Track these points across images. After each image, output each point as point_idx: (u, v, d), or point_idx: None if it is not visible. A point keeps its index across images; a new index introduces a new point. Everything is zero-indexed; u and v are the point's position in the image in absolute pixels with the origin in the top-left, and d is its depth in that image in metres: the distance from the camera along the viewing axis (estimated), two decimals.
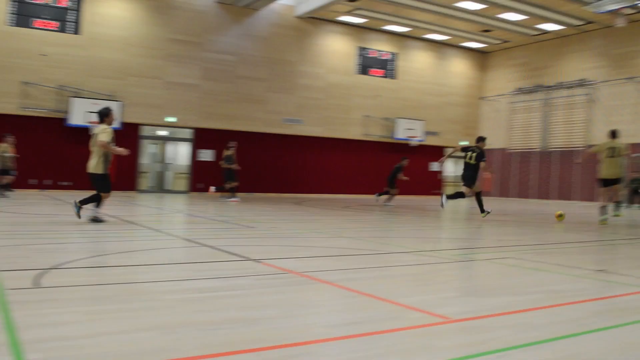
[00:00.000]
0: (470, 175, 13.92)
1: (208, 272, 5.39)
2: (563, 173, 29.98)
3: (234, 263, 5.94)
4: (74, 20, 22.92)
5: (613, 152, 12.95)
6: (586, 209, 22.24)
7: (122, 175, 23.98)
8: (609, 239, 9.97)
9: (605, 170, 13.15)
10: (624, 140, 26.33)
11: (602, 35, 28.66)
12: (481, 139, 14.55)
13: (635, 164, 27.03)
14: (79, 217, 9.87)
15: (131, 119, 24.07)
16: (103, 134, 10.18)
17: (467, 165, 14.08)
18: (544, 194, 30.72)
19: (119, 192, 23.53)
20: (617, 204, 16.23)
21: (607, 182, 13.27)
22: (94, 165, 10.45)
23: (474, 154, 13.92)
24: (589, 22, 27.77)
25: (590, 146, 27.25)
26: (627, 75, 27.53)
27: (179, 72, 25.08)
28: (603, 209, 13.58)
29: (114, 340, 3.10)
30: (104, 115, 10.35)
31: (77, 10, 22.98)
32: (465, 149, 14.39)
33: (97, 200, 10.28)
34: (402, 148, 31.09)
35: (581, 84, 29.29)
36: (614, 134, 13.38)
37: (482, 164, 13.67)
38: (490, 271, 6.00)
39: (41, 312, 3.65)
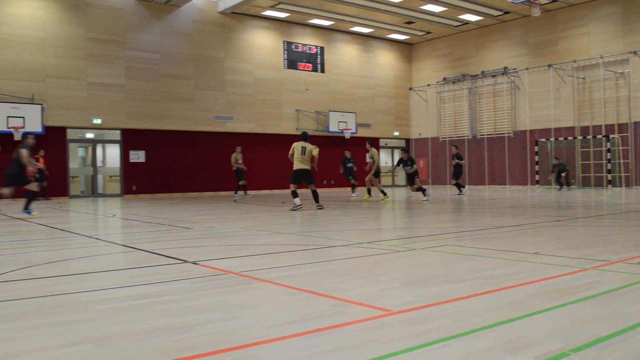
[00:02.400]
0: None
1: (143, 277, 5.21)
2: (493, 159, 30.81)
3: (170, 267, 5.77)
4: None
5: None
6: (518, 193, 22.92)
7: (52, 181, 23.12)
8: (541, 222, 10.26)
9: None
10: (545, 125, 27.30)
11: (521, 24, 29.57)
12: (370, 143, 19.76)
13: (556, 149, 28.06)
14: None
15: (55, 122, 23.27)
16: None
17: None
18: (477, 180, 31.49)
19: (49, 199, 22.70)
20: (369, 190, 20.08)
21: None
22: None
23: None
24: (507, 12, 28.59)
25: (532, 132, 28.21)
26: (547, 62, 28.50)
27: (102, 72, 24.38)
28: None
29: (44, 357, 2.92)
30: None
31: None
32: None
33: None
34: (336, 141, 31.25)
35: (504, 72, 30.12)
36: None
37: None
38: (429, 260, 6.04)
39: None
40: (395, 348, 2.96)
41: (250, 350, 2.98)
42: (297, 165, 14.43)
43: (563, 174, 25.47)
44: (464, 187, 22.37)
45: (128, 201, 21.34)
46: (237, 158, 22.44)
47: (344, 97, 32.12)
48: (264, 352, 2.98)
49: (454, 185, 22.62)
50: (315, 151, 14.69)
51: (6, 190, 12.91)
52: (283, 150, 29.35)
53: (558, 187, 25.63)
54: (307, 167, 14.49)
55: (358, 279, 4.98)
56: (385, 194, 19.11)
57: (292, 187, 14.59)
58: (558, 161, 25.90)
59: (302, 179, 14.53)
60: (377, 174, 19.39)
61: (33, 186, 13.10)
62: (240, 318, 3.66)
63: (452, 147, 23.16)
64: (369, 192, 20.12)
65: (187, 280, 5.03)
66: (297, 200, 14.36)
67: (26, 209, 13.06)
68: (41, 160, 22.10)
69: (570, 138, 27.44)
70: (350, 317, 3.62)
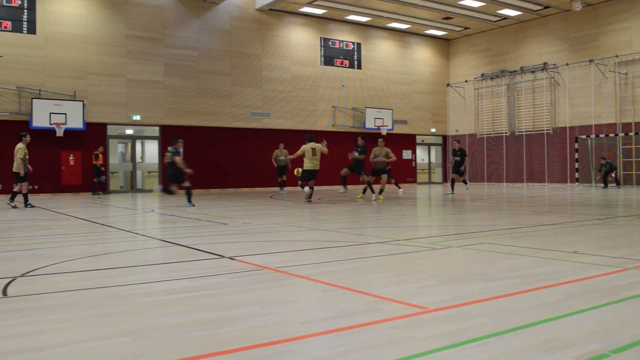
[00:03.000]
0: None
1: (181, 272, 5.29)
2: (532, 156, 30.37)
3: (208, 261, 5.84)
4: (28, 19, 22.39)
5: (314, 152, 15.88)
6: (557, 191, 22.56)
7: (92, 176, 23.56)
8: (581, 220, 10.09)
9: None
10: (586, 121, 26.78)
11: (561, 19, 29.03)
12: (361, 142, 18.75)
13: (597, 146, 27.48)
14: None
15: (96, 118, 23.70)
16: (19, 150, 14.66)
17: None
18: (516, 177, 31.08)
19: (88, 194, 23.16)
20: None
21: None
22: (15, 167, 14.86)
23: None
24: (547, 7, 28.10)
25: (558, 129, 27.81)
26: (587, 57, 27.94)
27: (141, 69, 24.73)
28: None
29: (85, 349, 2.99)
30: (21, 137, 14.89)
31: (31, 9, 22.46)
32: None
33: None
34: (372, 137, 31.16)
35: (543, 67, 29.64)
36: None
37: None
38: (466, 258, 6.00)
39: (9, 323, 3.52)
40: (432, 346, 2.95)
41: (287, 346, 3.01)
42: (309, 165, 15.88)
43: (612, 173, 24.90)
44: (466, 183, 21.55)
45: (166, 196, 21.63)
46: (277, 154, 22.97)
47: (380, 94, 32.00)
48: (300, 347, 3.00)
49: (462, 181, 21.31)
50: (324, 149, 16.16)
51: (174, 187, 15.19)
52: None
53: (602, 185, 25.08)
54: (318, 167, 16.03)
55: (394, 276, 4.97)
56: (364, 192, 17.94)
57: (301, 183, 16.54)
58: (605, 160, 25.33)
59: (313, 177, 16.10)
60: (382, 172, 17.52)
61: (187, 183, 15.20)
62: (277, 313, 3.69)
63: (454, 142, 21.84)
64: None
65: (225, 275, 5.09)
66: (307, 189, 16.03)
67: (189, 201, 15.24)
68: (100, 157, 22.97)
69: (611, 135, 26.85)
70: (386, 314, 3.61)
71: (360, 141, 18.85)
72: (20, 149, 14.79)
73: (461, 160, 20.37)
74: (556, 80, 29.33)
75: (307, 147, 15.90)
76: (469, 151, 33.34)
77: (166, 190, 15.53)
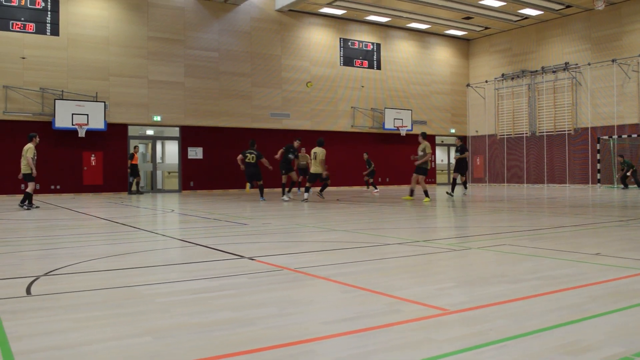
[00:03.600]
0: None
1: (201, 272, 5.33)
2: (553, 157, 30.12)
3: (228, 262, 5.88)
4: (51, 21, 22.67)
5: (315, 156, 17.04)
6: (578, 192, 22.35)
7: (113, 177, 23.84)
8: (603, 222, 9.99)
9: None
10: (608, 122, 26.53)
11: (583, 18, 28.76)
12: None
13: (619, 147, 27.19)
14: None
15: (117, 119, 23.93)
16: (29, 150, 14.71)
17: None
18: (536, 178, 30.84)
19: (109, 194, 23.40)
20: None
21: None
22: (24, 167, 14.85)
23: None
24: (569, 6, 27.86)
25: (578, 129, 27.54)
26: (610, 57, 27.66)
27: (163, 70, 24.93)
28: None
29: (107, 348, 3.03)
30: (32, 137, 15.01)
31: (54, 11, 22.74)
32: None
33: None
34: (391, 138, 31.12)
35: (565, 67, 29.38)
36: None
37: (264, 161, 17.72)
38: (486, 259, 5.97)
39: (33, 321, 3.57)
40: (452, 348, 2.95)
41: (307, 347, 3.02)
42: (311, 169, 17.49)
43: (629, 174, 24.63)
44: (466, 187, 21.04)
45: (186, 197, 21.78)
46: (299, 160, 23.06)
47: (400, 94, 31.94)
48: (319, 348, 3.01)
49: (461, 183, 20.80)
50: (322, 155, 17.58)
51: (257, 184, 18.19)
52: (339, 148, 29.44)
53: (622, 186, 24.81)
54: (318, 171, 17.18)
55: (413, 278, 4.96)
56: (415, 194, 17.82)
57: (308, 184, 17.55)
58: (623, 159, 25.06)
59: (312, 180, 17.44)
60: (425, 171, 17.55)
61: (260, 181, 17.90)
62: (296, 314, 3.71)
63: (457, 139, 21.05)
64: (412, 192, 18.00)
65: (244, 275, 5.12)
66: (307, 195, 17.34)
67: (262, 196, 18.25)
68: (136, 156, 23.77)
69: (634, 135, 26.55)
70: (406, 316, 3.61)
71: (458, 141, 20.26)
72: (29, 149, 14.81)
73: (462, 157, 19.92)
74: (578, 80, 29.06)
75: (314, 150, 17.39)
76: (489, 152, 33.15)
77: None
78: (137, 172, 23.80)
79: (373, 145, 30.60)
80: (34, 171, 14.83)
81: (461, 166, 20.13)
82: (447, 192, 20.37)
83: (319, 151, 17.16)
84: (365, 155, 25.38)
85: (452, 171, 22.10)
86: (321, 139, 17.89)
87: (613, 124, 27.57)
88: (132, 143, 25.34)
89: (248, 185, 20.81)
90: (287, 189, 19.23)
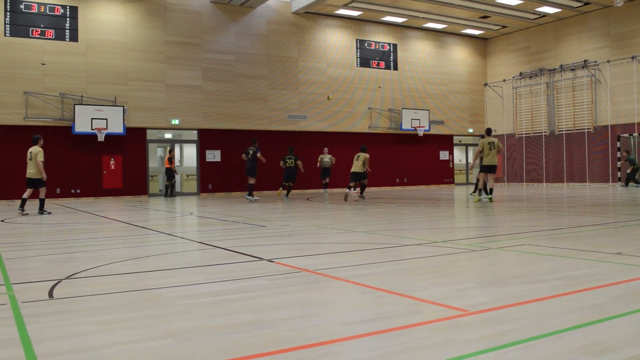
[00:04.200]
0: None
1: (221, 274, 5.36)
2: (573, 155, 29.84)
3: (247, 264, 5.90)
4: (70, 27, 22.90)
5: (492, 146, 16.28)
6: (598, 190, 22.14)
7: (133, 180, 24.02)
8: (624, 221, 9.89)
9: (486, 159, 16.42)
10: (628, 119, 26.25)
11: (602, 15, 28.47)
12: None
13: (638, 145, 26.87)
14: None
15: (136, 123, 24.10)
16: (39, 154, 14.07)
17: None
18: (556, 177, 30.58)
19: (129, 197, 23.59)
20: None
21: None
22: (35, 172, 14.16)
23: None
24: (587, 3, 27.61)
25: (598, 128, 27.31)
26: (629, 54, 27.36)
27: (180, 74, 25.07)
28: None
29: (130, 350, 3.07)
30: (38, 139, 14.27)
31: (73, 17, 22.97)
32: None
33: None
34: (409, 138, 31.04)
35: (584, 65, 29.11)
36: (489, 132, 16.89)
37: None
38: (506, 259, 5.94)
39: (56, 325, 3.62)
40: (472, 349, 2.95)
41: (328, 348, 3.03)
42: (353, 168, 18.81)
43: (628, 171, 24.39)
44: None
45: (204, 199, 21.89)
46: (322, 158, 24.68)
47: (417, 94, 31.84)
48: (340, 349, 3.02)
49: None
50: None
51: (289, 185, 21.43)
52: (357, 150, 29.36)
53: (634, 184, 24.56)
54: (360, 170, 18.62)
55: (433, 278, 4.95)
56: (486, 193, 16.86)
57: (351, 184, 19.07)
58: (627, 155, 24.72)
59: (354, 179, 18.93)
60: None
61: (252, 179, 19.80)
62: (316, 315, 3.72)
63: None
64: (479, 191, 17.28)
65: (264, 277, 5.14)
66: (351, 191, 19.04)
67: (287, 195, 21.40)
68: (173, 160, 24.10)
69: None
70: (425, 317, 3.61)
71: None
72: (39, 152, 14.07)
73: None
74: (597, 78, 28.79)
75: (360, 154, 18.90)
76: (508, 151, 32.93)
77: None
78: (172, 175, 24.01)
79: (391, 146, 30.54)
80: (45, 175, 14.16)
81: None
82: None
83: (362, 155, 18.74)
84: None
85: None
86: (364, 145, 19.62)
87: (633, 122, 27.26)
88: (151, 147, 25.52)
89: (281, 188, 21.79)
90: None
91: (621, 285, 4.47)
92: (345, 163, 28.63)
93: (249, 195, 19.72)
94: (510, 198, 18.14)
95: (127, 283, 5.08)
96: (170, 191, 24.00)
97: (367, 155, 18.80)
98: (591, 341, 3.04)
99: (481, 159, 16.60)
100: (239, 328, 3.43)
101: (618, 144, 27.18)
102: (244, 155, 19.79)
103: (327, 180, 24.86)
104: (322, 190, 26.07)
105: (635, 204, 14.26)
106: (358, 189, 20.50)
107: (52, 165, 22.48)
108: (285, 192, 21.76)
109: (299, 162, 21.28)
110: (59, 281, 5.13)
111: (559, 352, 2.87)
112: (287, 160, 21.35)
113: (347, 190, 18.11)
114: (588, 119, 29.16)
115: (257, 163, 19.50)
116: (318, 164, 24.82)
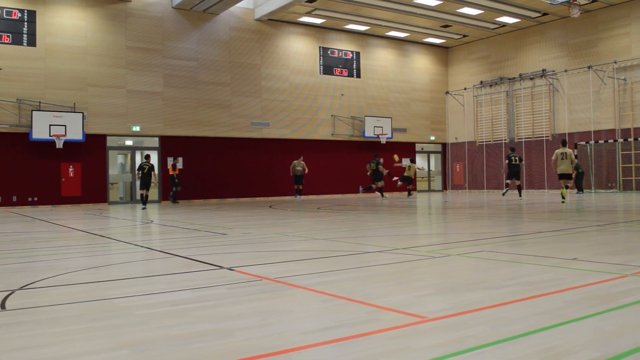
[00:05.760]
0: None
1: (180, 283, 5.29)
2: (532, 163, 30.38)
3: (207, 272, 5.85)
4: (28, 32, 22.48)
5: (564, 155, 18.05)
6: (557, 197, 22.56)
7: (92, 188, 23.63)
8: (580, 227, 10.09)
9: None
10: (585, 127, 26.82)
11: (560, 26, 29.14)
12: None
13: (596, 152, 27.49)
14: None
15: (95, 130, 23.75)
16: None
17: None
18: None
19: (89, 205, 23.19)
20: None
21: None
22: None
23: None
24: (545, 14, 28.21)
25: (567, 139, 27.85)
26: (586, 64, 28.03)
27: (141, 80, 24.80)
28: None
29: None
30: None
31: (31, 21, 22.56)
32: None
33: None
34: (372, 146, 31.21)
35: (542, 74, 29.71)
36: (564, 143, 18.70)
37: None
38: (466, 266, 6.00)
39: (9, 337, 3.52)
40: (430, 355, 2.96)
41: (286, 357, 3.01)
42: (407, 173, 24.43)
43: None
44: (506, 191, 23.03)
45: (165, 207, 21.64)
46: (295, 165, 25.73)
47: (379, 102, 32.08)
48: (299, 358, 3.00)
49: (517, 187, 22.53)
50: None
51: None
52: (319, 157, 29.48)
53: (580, 191, 25.49)
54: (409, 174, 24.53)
55: (393, 285, 4.97)
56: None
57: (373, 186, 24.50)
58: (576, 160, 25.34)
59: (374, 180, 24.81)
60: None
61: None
62: (276, 324, 3.70)
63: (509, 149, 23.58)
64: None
65: (224, 286, 5.09)
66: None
67: (363, 188, 26.92)
68: (177, 167, 24.67)
69: (610, 141, 26.90)
70: (384, 324, 3.62)
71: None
72: None
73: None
74: (555, 87, 29.41)
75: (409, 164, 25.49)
76: (469, 158, 33.38)
77: (368, 189, 26.32)
78: (175, 182, 24.05)
79: (353, 153, 30.68)
80: None
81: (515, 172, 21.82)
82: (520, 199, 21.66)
83: (412, 165, 26.13)
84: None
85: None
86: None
87: (590, 130, 27.90)
88: (111, 154, 25.15)
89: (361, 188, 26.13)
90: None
91: (576, 290, 4.55)
92: (308, 170, 28.70)
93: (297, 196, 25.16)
94: (471, 205, 18.36)
95: (84, 293, 4.98)
96: (173, 198, 24.53)
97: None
98: (547, 346, 3.08)
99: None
100: (198, 338, 3.39)
101: (575, 152, 27.78)
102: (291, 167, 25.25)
103: (301, 187, 25.70)
104: (294, 197, 26.64)
105: (591, 211, 14.58)
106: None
107: (9, 173, 21.98)
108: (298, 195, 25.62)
109: (381, 167, 25.80)
110: (12, 292, 5.00)
111: (515, 358, 2.90)
112: (372, 164, 25.77)
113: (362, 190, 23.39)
114: (547, 126, 29.75)
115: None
116: (291, 171, 25.73)
